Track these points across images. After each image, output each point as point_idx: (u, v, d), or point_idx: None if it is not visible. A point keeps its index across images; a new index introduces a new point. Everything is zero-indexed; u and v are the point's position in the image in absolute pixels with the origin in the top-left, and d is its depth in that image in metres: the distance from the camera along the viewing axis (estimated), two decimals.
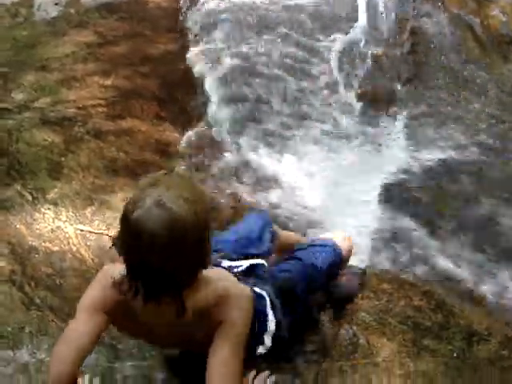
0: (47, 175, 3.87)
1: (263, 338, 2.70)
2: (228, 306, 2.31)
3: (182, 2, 5.94)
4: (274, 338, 2.72)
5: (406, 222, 3.70)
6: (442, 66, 5.58)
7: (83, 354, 2.25)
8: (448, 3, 6.02)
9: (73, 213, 3.61)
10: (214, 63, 5.32)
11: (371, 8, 6.01)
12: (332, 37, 5.76)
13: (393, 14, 5.99)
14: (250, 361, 2.49)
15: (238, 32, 5.63)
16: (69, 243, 3.39)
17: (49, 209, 3.60)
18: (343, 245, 3.16)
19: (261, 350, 2.70)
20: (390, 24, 5.93)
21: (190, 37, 5.60)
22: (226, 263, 2.81)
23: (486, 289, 3.34)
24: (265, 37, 5.56)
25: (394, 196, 3.92)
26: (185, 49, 5.48)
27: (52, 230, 3.45)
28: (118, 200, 3.77)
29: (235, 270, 2.78)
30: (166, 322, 2.32)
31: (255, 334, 2.62)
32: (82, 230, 3.49)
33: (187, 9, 5.91)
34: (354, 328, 2.98)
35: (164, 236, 2.09)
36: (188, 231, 2.12)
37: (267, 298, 2.73)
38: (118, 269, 2.25)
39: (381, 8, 6.05)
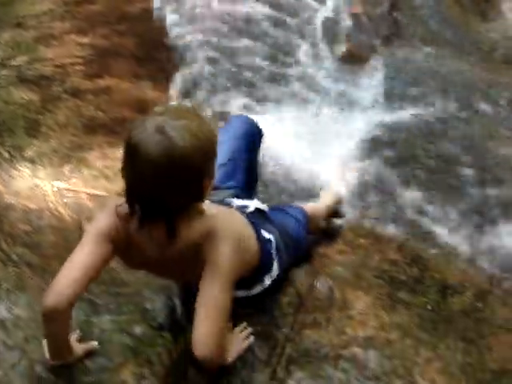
0: (24, 133, 3.85)
1: (264, 279, 2.77)
2: (214, 244, 2.36)
3: None
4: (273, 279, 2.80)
5: (382, 178, 3.72)
6: (420, 24, 5.57)
7: (88, 279, 2.32)
8: None
9: (50, 170, 3.60)
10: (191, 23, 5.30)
11: None
12: None
13: None
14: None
15: None
16: (46, 201, 3.38)
17: (26, 167, 3.59)
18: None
19: (257, 289, 2.77)
20: None
21: None
22: (236, 202, 2.86)
23: (461, 243, 3.37)
24: None
25: (369, 151, 3.93)
26: (162, 7, 5.44)
27: (30, 188, 3.45)
28: (96, 158, 3.76)
29: (246, 210, 2.82)
30: (160, 250, 2.39)
31: (258, 276, 2.72)
32: (59, 188, 3.49)
33: None
34: (330, 282, 3.01)
35: (159, 163, 2.15)
36: (185, 163, 2.18)
37: (273, 241, 2.78)
38: (122, 200, 2.33)
39: None
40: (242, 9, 5.42)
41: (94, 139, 3.95)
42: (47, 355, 2.47)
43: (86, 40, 4.92)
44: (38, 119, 4.01)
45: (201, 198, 2.35)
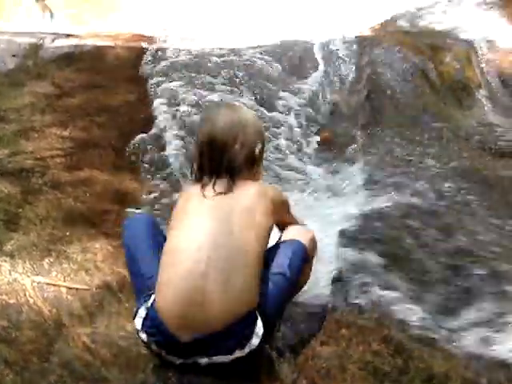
0: (4, 227, 3.83)
1: (252, 335, 2.87)
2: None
3: (140, 52, 5.97)
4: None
5: (364, 265, 3.71)
6: (398, 111, 5.66)
7: None
8: (404, 50, 6.14)
9: (30, 264, 3.56)
10: (173, 113, 5.36)
11: (329, 56, 6.11)
12: (291, 84, 5.83)
13: (351, 62, 6.09)
14: None
15: (196, 81, 5.67)
16: (25, 295, 3.34)
17: (5, 261, 3.55)
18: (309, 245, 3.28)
19: (245, 350, 2.86)
20: (348, 71, 6.03)
21: (149, 86, 5.63)
22: None
23: (446, 332, 3.35)
24: (223, 87, 5.60)
25: (350, 240, 3.93)
26: (143, 99, 5.51)
27: (8, 282, 3.40)
28: (76, 251, 3.74)
29: None
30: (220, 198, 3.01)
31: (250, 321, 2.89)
32: (38, 282, 3.45)
33: (146, 58, 5.94)
34: (314, 374, 2.96)
35: (231, 121, 3.13)
36: (248, 128, 3.16)
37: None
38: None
39: (339, 55, 6.15)
40: None
41: (74, 232, 3.93)
42: None
43: (66, 133, 4.96)
44: (17, 212, 3.99)
45: (253, 164, 3.16)
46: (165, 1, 8.76)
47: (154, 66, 5.77)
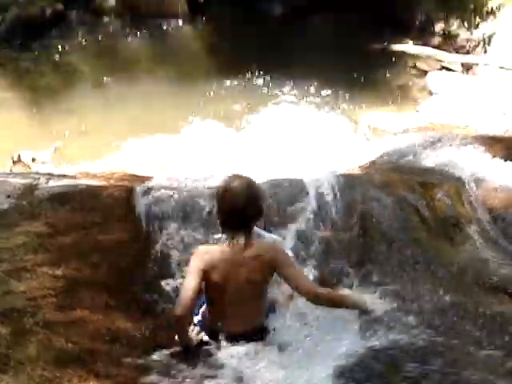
0: None
1: None
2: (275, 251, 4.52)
3: (133, 191, 6.02)
4: None
5: None
6: (391, 248, 5.67)
7: (195, 293, 4.22)
8: (395, 187, 6.22)
9: None
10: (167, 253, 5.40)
11: (320, 193, 6.16)
12: (283, 221, 5.85)
13: (342, 198, 6.13)
14: None
15: (189, 219, 5.70)
16: None
17: None
18: None
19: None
20: (339, 208, 6.07)
21: (142, 225, 5.67)
22: None
23: None
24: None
25: (345, 379, 3.87)
26: (136, 238, 5.53)
27: None
28: None
29: None
30: (240, 253, 4.31)
31: None
32: None
33: (139, 197, 5.99)
34: None
35: (249, 192, 4.34)
36: (258, 194, 4.42)
37: None
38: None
39: (330, 192, 6.20)
40: None
41: (65, 373, 3.89)
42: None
43: (58, 272, 4.95)
44: (7, 353, 3.94)
45: (259, 219, 4.51)
46: (158, 142, 8.99)
47: (147, 205, 5.80)
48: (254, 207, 4.33)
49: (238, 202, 4.25)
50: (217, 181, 6.06)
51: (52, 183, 6.20)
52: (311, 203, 6.02)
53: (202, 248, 4.48)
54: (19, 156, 8.75)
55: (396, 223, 5.86)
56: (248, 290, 4.34)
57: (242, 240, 4.28)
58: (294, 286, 4.42)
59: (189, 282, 4.22)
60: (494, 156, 6.77)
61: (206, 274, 4.26)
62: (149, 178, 6.45)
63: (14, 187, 6.02)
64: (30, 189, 6.02)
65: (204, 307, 4.54)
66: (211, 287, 4.36)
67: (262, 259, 4.33)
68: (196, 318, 4.50)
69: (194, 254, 4.40)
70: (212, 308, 4.46)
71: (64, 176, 6.69)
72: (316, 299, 4.39)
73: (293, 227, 5.74)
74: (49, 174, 6.67)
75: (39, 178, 6.27)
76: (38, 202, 5.82)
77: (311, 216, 5.90)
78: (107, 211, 5.79)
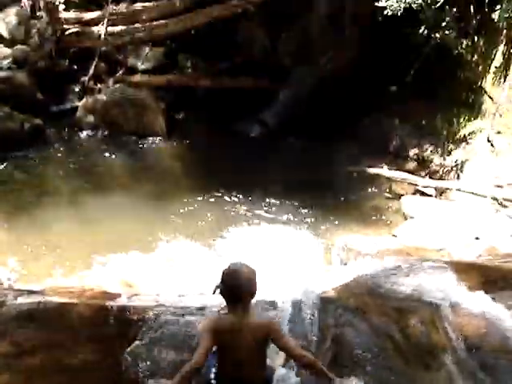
0: None
1: None
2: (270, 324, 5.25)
3: (104, 310, 5.93)
4: None
5: None
6: (365, 373, 5.58)
7: (207, 350, 4.93)
8: (369, 312, 6.16)
9: None
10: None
11: (293, 315, 6.10)
12: None
13: (315, 322, 6.07)
14: None
15: (163, 339, 5.62)
16: None
17: None
18: None
19: None
20: (312, 331, 5.99)
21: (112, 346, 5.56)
22: None
23: None
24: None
25: None
26: (105, 359, 5.41)
27: None
28: None
29: None
30: (240, 321, 5.03)
31: None
32: None
33: (110, 316, 5.89)
34: None
35: (247, 274, 5.11)
36: (254, 276, 5.15)
37: None
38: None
39: (303, 315, 6.14)
40: None
41: None
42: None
43: None
44: None
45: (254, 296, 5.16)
46: (130, 258, 8.94)
47: (118, 325, 5.71)
48: (252, 289, 5.14)
49: (242, 285, 5.08)
50: (191, 301, 6.06)
51: (20, 300, 6.09)
52: (284, 325, 5.96)
53: (208, 317, 5.53)
54: None
55: (369, 349, 5.78)
56: (246, 352, 5.06)
57: (240, 310, 5.06)
58: (288, 355, 5.29)
59: (201, 342, 4.96)
60: (469, 283, 6.75)
61: (213, 337, 4.97)
62: (120, 296, 6.37)
63: None
64: None
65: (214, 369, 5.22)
66: (218, 349, 5.08)
67: (258, 330, 5.08)
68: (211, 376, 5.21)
69: (202, 323, 5.29)
70: (219, 369, 5.18)
71: (33, 292, 6.57)
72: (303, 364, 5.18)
73: None
74: (18, 290, 6.56)
75: (7, 295, 6.16)
76: (5, 320, 5.71)
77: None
78: (76, 331, 5.69)
